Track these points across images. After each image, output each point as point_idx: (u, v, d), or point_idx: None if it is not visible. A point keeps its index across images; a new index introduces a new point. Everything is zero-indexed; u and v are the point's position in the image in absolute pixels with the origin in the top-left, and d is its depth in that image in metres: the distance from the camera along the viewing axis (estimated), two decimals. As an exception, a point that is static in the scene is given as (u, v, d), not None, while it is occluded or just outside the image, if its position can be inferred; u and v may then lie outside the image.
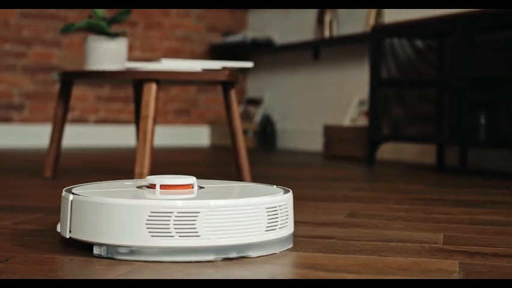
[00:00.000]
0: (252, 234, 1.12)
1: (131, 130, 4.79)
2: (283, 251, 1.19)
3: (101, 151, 4.04)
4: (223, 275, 1.00)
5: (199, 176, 2.56)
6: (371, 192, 2.11)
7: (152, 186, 1.23)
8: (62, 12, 4.54)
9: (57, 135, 2.45)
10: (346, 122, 4.02)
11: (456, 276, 1.01)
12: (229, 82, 2.31)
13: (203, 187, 1.27)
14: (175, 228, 1.08)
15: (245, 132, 4.77)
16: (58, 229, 1.20)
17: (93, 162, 3.15)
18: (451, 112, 2.86)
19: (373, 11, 3.89)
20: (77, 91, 4.61)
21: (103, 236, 1.10)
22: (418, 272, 1.04)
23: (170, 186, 1.20)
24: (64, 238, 1.26)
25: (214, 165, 3.14)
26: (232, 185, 1.33)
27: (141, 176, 2.08)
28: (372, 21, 3.88)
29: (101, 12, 2.39)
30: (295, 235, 1.34)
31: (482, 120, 2.83)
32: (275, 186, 1.32)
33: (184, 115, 4.99)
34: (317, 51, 4.45)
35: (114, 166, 2.95)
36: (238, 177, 2.33)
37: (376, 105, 3.26)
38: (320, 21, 4.26)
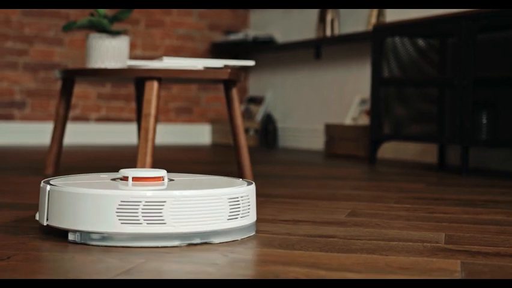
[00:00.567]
0: (215, 222, 1.22)
1: (133, 128, 4.79)
2: (244, 238, 1.28)
3: (102, 149, 4.04)
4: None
5: (198, 174, 2.55)
6: (372, 191, 2.11)
7: (125, 179, 1.31)
8: (63, 10, 4.54)
9: (58, 133, 2.45)
10: (347, 120, 4.02)
11: (458, 275, 1.01)
12: (231, 80, 2.31)
13: (173, 180, 1.37)
14: (143, 216, 1.17)
15: (246, 130, 4.77)
16: (37, 217, 1.29)
17: (94, 160, 3.15)
18: (452, 111, 2.86)
19: (375, 10, 3.89)
20: (79, 89, 4.61)
21: (77, 224, 1.19)
22: (420, 271, 1.03)
23: (142, 178, 1.29)
24: (42, 226, 1.36)
25: (216, 163, 3.14)
26: (201, 178, 1.42)
27: (142, 174, 2.08)
28: (374, 20, 3.88)
29: (103, 10, 2.39)
30: (297, 234, 1.34)
31: (484, 120, 2.83)
32: (241, 179, 1.41)
33: (186, 113, 4.99)
34: (319, 50, 4.44)
35: (115, 164, 2.95)
36: (239, 175, 2.33)
37: (378, 104, 3.25)
38: (322, 20, 4.26)
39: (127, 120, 4.79)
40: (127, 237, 1.18)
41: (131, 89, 4.81)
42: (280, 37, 4.85)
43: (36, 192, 1.94)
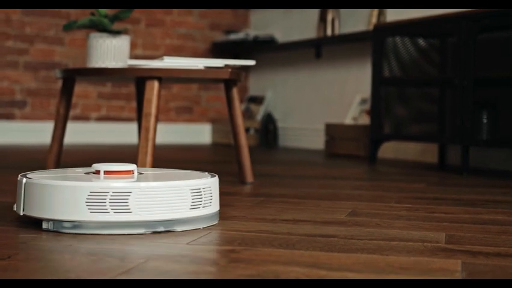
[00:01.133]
0: (178, 211, 1.32)
1: (133, 127, 4.79)
2: (207, 226, 1.38)
3: (102, 148, 4.04)
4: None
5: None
6: (372, 191, 2.11)
7: (97, 172, 1.40)
8: (64, 9, 4.54)
9: (59, 132, 2.45)
10: (348, 120, 4.01)
11: (458, 275, 1.01)
12: (232, 80, 2.31)
13: (142, 173, 1.46)
14: (110, 206, 1.27)
15: (247, 130, 4.77)
16: (14, 208, 1.38)
17: (94, 160, 3.15)
18: (453, 111, 2.86)
19: (375, 10, 3.89)
20: (79, 88, 4.61)
21: (50, 213, 1.30)
22: (420, 271, 1.03)
23: (113, 172, 1.38)
24: (19, 216, 1.47)
25: (216, 163, 3.14)
26: (170, 172, 1.51)
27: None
28: (374, 20, 3.88)
29: (104, 9, 2.39)
30: (297, 233, 1.34)
31: (485, 120, 2.83)
32: (206, 173, 1.50)
33: (186, 113, 4.99)
34: (319, 49, 4.44)
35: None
36: (240, 175, 2.33)
37: (378, 103, 3.25)
38: (322, 19, 4.26)
39: (127, 119, 4.79)
40: (96, 225, 1.28)
41: (131, 89, 4.81)
42: (281, 37, 4.85)
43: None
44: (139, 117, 2.69)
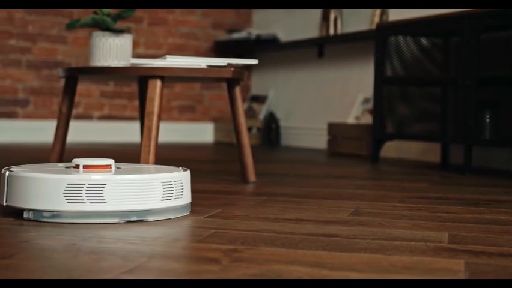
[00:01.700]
0: (150, 202, 1.42)
1: (136, 126, 4.79)
2: (178, 217, 1.48)
3: (105, 147, 4.04)
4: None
5: (199, 173, 2.55)
6: (375, 191, 2.10)
7: (77, 167, 1.50)
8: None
9: (61, 131, 2.45)
10: (350, 119, 4.01)
11: (461, 275, 1.01)
12: (234, 79, 2.30)
13: (120, 168, 1.56)
14: (86, 197, 1.38)
15: (249, 129, 4.77)
16: None
17: (97, 158, 3.14)
18: (455, 110, 2.86)
19: (378, 9, 3.88)
20: (82, 87, 4.61)
21: (30, 203, 1.40)
22: (423, 271, 1.03)
23: (91, 166, 1.48)
24: (2, 206, 1.58)
25: (218, 162, 3.14)
26: (146, 167, 1.62)
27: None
28: (377, 19, 3.87)
29: (106, 9, 2.39)
30: (300, 233, 1.34)
31: (487, 119, 2.82)
32: (181, 168, 1.58)
33: (189, 112, 4.99)
34: (322, 48, 4.44)
35: (117, 162, 2.95)
36: (242, 174, 2.33)
37: (380, 103, 3.25)
38: (325, 18, 4.25)
39: (129, 118, 4.79)
40: (73, 214, 1.39)
41: (134, 87, 4.81)
42: (284, 36, 4.85)
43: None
44: (142, 116, 2.69)
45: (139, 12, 4.76)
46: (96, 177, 1.38)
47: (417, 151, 3.63)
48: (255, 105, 4.96)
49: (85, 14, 4.59)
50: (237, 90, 2.32)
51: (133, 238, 1.25)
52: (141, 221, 1.42)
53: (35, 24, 4.45)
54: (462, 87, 2.82)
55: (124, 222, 1.40)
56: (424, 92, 3.20)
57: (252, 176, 2.33)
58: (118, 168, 1.56)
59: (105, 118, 4.70)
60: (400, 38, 3.22)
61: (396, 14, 3.84)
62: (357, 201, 1.85)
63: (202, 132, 5.04)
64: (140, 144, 2.12)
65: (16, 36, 4.40)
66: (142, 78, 2.45)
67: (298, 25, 4.71)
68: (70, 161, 2.91)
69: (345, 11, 4.25)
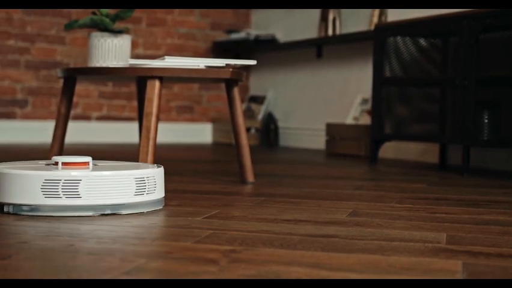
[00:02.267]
0: (123, 197, 1.52)
1: (134, 127, 4.79)
2: (150, 211, 1.57)
3: (103, 148, 4.04)
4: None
5: (198, 174, 2.55)
6: (373, 191, 2.11)
7: (56, 164, 1.57)
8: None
9: (60, 131, 2.45)
10: (349, 120, 4.01)
11: (459, 276, 1.01)
12: (233, 80, 2.30)
13: (97, 165, 1.65)
14: (62, 191, 1.47)
15: (248, 130, 4.77)
16: None
17: (95, 159, 3.15)
18: (454, 111, 2.86)
19: (377, 10, 3.89)
20: (80, 87, 4.61)
21: (10, 198, 1.50)
22: (421, 271, 1.03)
23: (70, 163, 1.55)
24: None
25: (217, 162, 3.14)
26: (122, 164, 1.69)
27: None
28: (375, 20, 3.87)
29: (105, 9, 2.39)
30: (298, 234, 1.34)
31: (486, 120, 2.83)
32: (156, 165, 1.67)
33: (187, 112, 4.99)
34: (320, 49, 4.44)
35: (117, 163, 2.95)
36: (241, 174, 2.33)
37: (379, 103, 3.25)
38: (324, 19, 4.26)
39: (128, 119, 4.79)
40: (50, 208, 1.48)
41: (132, 88, 4.81)
42: (282, 36, 4.85)
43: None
44: (140, 116, 2.69)
45: (137, 13, 4.76)
46: (72, 173, 1.48)
47: (415, 152, 3.63)
48: (254, 106, 4.96)
49: (84, 15, 4.59)
50: (236, 91, 2.32)
51: (131, 239, 1.25)
52: (114, 214, 1.51)
53: (33, 24, 4.44)
54: (460, 87, 2.82)
55: (98, 215, 1.49)
56: (423, 93, 3.20)
57: (250, 176, 2.33)
58: (95, 165, 1.64)
59: (103, 118, 4.70)
60: (399, 38, 3.22)
61: (395, 15, 3.84)
62: (356, 202, 1.85)
63: (201, 133, 5.03)
64: (139, 144, 2.12)
65: (14, 36, 4.40)
66: (140, 78, 2.45)
67: (297, 25, 4.71)
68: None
69: (343, 11, 4.25)
